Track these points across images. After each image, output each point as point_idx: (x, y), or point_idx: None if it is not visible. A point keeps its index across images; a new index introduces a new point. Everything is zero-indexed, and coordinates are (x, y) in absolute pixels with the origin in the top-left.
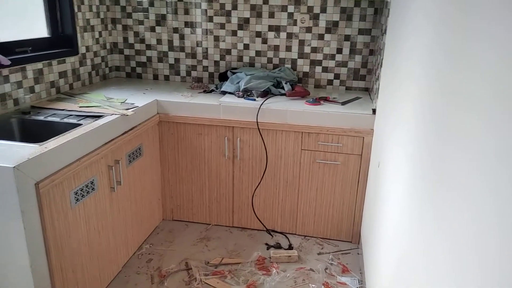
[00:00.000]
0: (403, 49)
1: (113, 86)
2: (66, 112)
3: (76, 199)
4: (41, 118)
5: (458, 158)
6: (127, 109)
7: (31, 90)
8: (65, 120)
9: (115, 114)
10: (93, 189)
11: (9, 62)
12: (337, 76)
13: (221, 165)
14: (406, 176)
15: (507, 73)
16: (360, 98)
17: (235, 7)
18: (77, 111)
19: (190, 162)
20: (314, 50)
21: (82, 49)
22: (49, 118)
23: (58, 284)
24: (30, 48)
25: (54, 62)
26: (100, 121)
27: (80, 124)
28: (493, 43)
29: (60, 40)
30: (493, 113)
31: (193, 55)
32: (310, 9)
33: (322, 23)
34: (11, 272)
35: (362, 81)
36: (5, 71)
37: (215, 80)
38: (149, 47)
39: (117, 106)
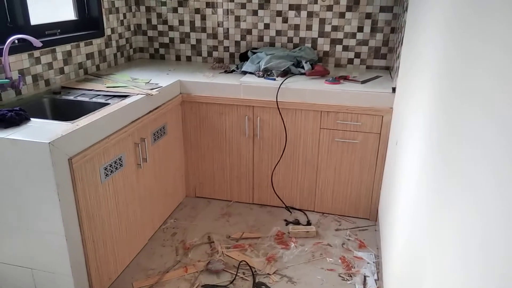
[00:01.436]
0: (421, 24)
1: (138, 67)
2: (94, 92)
3: (105, 174)
4: (71, 97)
5: (470, 148)
6: (151, 89)
7: (61, 71)
8: (94, 99)
9: (141, 94)
10: (121, 165)
11: (40, 44)
12: (357, 55)
13: (241, 144)
14: (422, 154)
15: None
16: (381, 76)
17: None
18: (104, 91)
19: (211, 141)
20: (335, 28)
21: (108, 31)
22: (79, 98)
23: (91, 253)
24: (58, 31)
25: (82, 44)
26: (127, 101)
27: (108, 104)
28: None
29: (87, 22)
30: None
31: (214, 36)
32: None
33: (343, 1)
34: (48, 240)
35: (383, 60)
36: (36, 53)
37: (236, 60)
38: (171, 28)
39: (142, 86)
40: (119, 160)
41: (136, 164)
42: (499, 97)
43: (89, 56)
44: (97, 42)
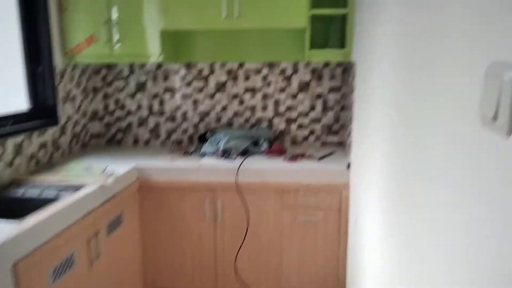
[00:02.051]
0: (369, 105)
1: (93, 154)
2: (46, 184)
3: (54, 276)
4: (21, 192)
5: (429, 211)
6: (107, 178)
7: (11, 163)
8: (45, 193)
9: (95, 184)
10: (72, 264)
11: None
12: (312, 132)
13: (202, 229)
14: (380, 233)
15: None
16: (335, 152)
17: (212, 71)
18: (56, 182)
19: (171, 228)
20: (289, 108)
21: (62, 120)
22: (29, 192)
23: None
24: (11, 121)
25: (35, 134)
26: (80, 193)
27: (59, 197)
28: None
29: (41, 112)
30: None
31: (172, 119)
32: (283, 71)
33: (294, 84)
34: None
35: (336, 136)
36: None
37: (195, 141)
38: (129, 113)
39: (96, 175)
40: (70, 258)
41: (88, 261)
42: (447, 177)
43: (42, 146)
44: (51, 131)
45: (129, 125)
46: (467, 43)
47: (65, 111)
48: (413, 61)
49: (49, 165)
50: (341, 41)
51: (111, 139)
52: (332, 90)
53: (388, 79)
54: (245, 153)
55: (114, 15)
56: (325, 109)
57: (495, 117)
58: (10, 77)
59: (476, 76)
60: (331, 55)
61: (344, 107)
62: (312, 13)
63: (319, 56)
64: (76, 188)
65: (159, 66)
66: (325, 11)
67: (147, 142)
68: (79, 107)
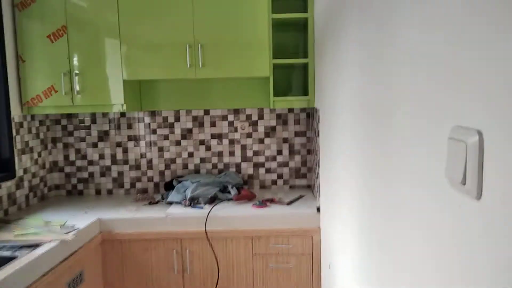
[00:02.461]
0: (335, 153)
1: (53, 207)
2: (0, 243)
3: None
4: None
5: (401, 261)
6: (67, 233)
7: None
8: (0, 253)
9: (54, 240)
10: None
11: None
12: (280, 176)
13: (170, 282)
14: (356, 277)
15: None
16: (304, 196)
17: (177, 119)
18: (12, 241)
19: (137, 282)
20: (256, 153)
21: (20, 172)
22: None
23: None
24: None
25: None
26: (38, 251)
27: (15, 257)
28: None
29: None
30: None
31: (137, 167)
32: (248, 117)
33: (261, 129)
34: None
35: (304, 179)
36: None
37: (161, 189)
38: (91, 162)
39: (56, 230)
40: None
41: None
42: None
43: None
44: (7, 185)
45: (91, 175)
46: (430, 104)
47: (22, 163)
48: (376, 109)
49: (4, 221)
50: (304, 88)
51: (71, 189)
52: (297, 134)
53: (352, 128)
54: (213, 200)
55: (75, 65)
56: (292, 153)
57: (463, 181)
58: None
59: (440, 136)
60: (295, 102)
61: (310, 150)
62: (274, 63)
63: (284, 103)
64: (34, 246)
65: (122, 114)
66: (287, 61)
67: (110, 192)
68: (38, 158)
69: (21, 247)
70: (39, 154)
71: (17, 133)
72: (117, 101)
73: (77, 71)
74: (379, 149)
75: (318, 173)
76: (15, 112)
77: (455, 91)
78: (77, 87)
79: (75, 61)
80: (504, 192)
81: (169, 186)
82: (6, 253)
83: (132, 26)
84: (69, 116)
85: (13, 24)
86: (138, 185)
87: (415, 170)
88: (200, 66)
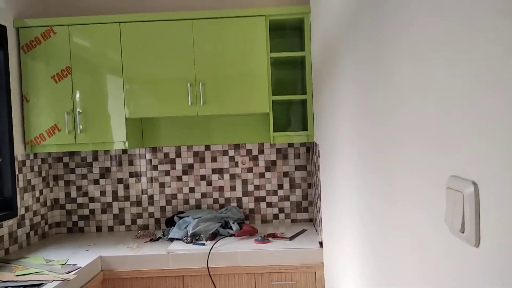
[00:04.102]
0: (336, 187)
1: (53, 245)
2: (1, 284)
3: None
4: None
5: None
6: (68, 272)
7: None
8: None
9: (56, 280)
10: None
11: None
12: (281, 210)
13: None
14: None
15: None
16: (306, 230)
17: (178, 155)
18: (13, 281)
19: None
20: (257, 187)
21: (21, 210)
22: None
23: None
24: None
25: None
26: None
27: None
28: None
29: None
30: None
31: (138, 203)
32: (249, 151)
33: (261, 163)
34: None
35: (305, 213)
36: None
37: (162, 225)
38: (92, 199)
39: (57, 269)
40: None
41: None
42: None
43: None
44: (9, 223)
45: (92, 212)
46: (427, 152)
47: (24, 201)
48: (375, 147)
49: (5, 261)
50: (303, 123)
51: (72, 227)
52: (298, 168)
53: (352, 164)
54: (215, 236)
55: (78, 104)
56: (292, 187)
57: (462, 229)
58: None
59: (437, 184)
60: (295, 137)
61: (311, 184)
62: (274, 99)
63: (284, 139)
64: (36, 286)
65: (124, 151)
66: (286, 97)
67: (111, 229)
68: (39, 196)
69: (23, 287)
70: (41, 192)
71: (20, 171)
72: (119, 139)
73: (80, 110)
74: (382, 185)
75: (319, 207)
76: (18, 151)
77: (452, 142)
78: (80, 126)
79: (79, 100)
80: (500, 240)
81: (171, 222)
82: None
83: (135, 65)
84: (71, 154)
85: (19, 65)
86: (139, 221)
87: (418, 213)
88: (201, 103)
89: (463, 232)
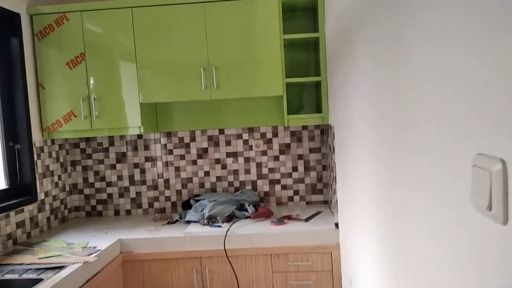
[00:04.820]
0: (352, 168)
1: (73, 229)
2: (25, 266)
3: None
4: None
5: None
6: (89, 255)
7: None
8: (24, 276)
9: (78, 263)
10: None
11: None
12: (296, 192)
13: None
14: None
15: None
16: (321, 212)
17: (193, 139)
18: (36, 263)
19: None
20: (272, 170)
21: (41, 195)
22: (7, 276)
23: None
24: None
25: (12, 213)
26: (62, 273)
27: (41, 280)
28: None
29: (19, 189)
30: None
31: (154, 187)
32: (263, 135)
33: (275, 146)
34: None
35: (320, 195)
36: None
37: (178, 208)
38: (109, 184)
39: (78, 252)
40: None
41: None
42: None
43: (20, 224)
44: (29, 208)
45: (110, 196)
46: (453, 128)
47: (43, 186)
48: (395, 126)
49: (27, 244)
50: (316, 105)
51: (91, 211)
52: (312, 150)
53: (370, 144)
54: (231, 218)
55: (93, 90)
56: (307, 169)
57: (489, 207)
58: None
59: (461, 163)
60: (309, 120)
61: (326, 166)
62: (287, 81)
63: (298, 121)
64: (58, 268)
65: (139, 136)
66: (300, 80)
67: (128, 212)
68: (58, 181)
69: (46, 269)
70: (59, 177)
71: (38, 157)
72: (134, 124)
73: (95, 96)
74: (399, 166)
75: (335, 189)
76: (36, 138)
77: (478, 117)
78: (95, 112)
79: (93, 86)
80: None
81: (187, 205)
82: (32, 276)
83: (148, 50)
84: (88, 140)
85: (33, 52)
86: (156, 205)
87: (438, 189)
88: (215, 87)
89: (490, 210)
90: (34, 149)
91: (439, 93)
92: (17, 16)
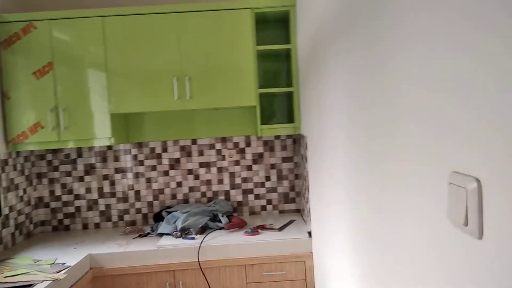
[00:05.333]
0: (325, 177)
1: (40, 244)
2: None
3: None
4: None
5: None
6: (58, 272)
7: None
8: None
9: (46, 280)
10: None
11: None
12: (269, 202)
13: None
14: None
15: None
16: (294, 220)
17: (165, 149)
18: (2, 283)
19: None
20: (245, 180)
21: (5, 210)
22: None
23: None
24: None
25: None
26: None
27: None
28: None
29: None
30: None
31: (124, 199)
32: (236, 144)
33: (248, 156)
34: None
35: (292, 204)
36: None
37: (149, 220)
38: (77, 197)
39: (47, 269)
40: None
41: None
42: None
43: None
44: None
45: (78, 209)
46: (428, 147)
47: (8, 201)
48: (369, 138)
49: None
50: (288, 115)
51: (58, 225)
52: (284, 160)
53: (344, 156)
54: (204, 229)
55: (61, 101)
56: (280, 178)
57: (465, 223)
58: None
59: (437, 177)
60: (282, 130)
61: (298, 175)
62: (260, 92)
63: (271, 131)
64: (26, 286)
65: (109, 147)
66: (273, 90)
67: (97, 226)
68: (23, 195)
69: None
70: (24, 191)
71: (3, 170)
72: (104, 135)
73: (63, 106)
74: (375, 176)
75: (307, 198)
76: (0, 150)
77: (453, 138)
78: (63, 123)
79: (61, 96)
80: (502, 232)
81: (159, 217)
82: None
83: (119, 59)
84: (54, 151)
85: None
86: (126, 217)
87: (415, 205)
88: (188, 97)
89: (466, 226)
90: None
91: (417, 105)
92: None
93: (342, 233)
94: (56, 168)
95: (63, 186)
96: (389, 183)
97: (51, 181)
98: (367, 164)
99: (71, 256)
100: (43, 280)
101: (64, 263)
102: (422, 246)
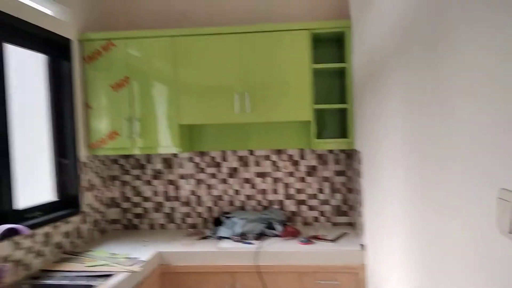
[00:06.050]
0: (381, 193)
1: (113, 240)
2: (75, 273)
3: None
4: (53, 282)
5: None
6: (133, 265)
7: (39, 253)
8: (77, 282)
9: (123, 272)
10: None
11: (30, 232)
12: (322, 213)
13: None
14: None
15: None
16: (348, 233)
17: (224, 159)
18: (85, 271)
19: None
20: (298, 191)
21: (84, 208)
22: (61, 282)
23: None
24: (39, 213)
25: (60, 223)
26: (112, 281)
27: (91, 286)
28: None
29: (66, 202)
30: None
31: (187, 203)
32: (290, 157)
33: (302, 168)
34: None
35: (345, 217)
36: (18, 238)
37: (209, 225)
38: (145, 199)
39: (123, 262)
40: None
41: None
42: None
43: (67, 234)
44: (75, 219)
45: (146, 210)
46: (478, 165)
47: (86, 199)
48: (424, 158)
49: (74, 253)
50: (341, 130)
51: (127, 224)
52: (338, 173)
53: (401, 173)
54: (261, 236)
55: (136, 112)
56: (333, 191)
57: (510, 231)
58: (39, 170)
59: (487, 194)
60: (335, 144)
61: (351, 189)
62: (315, 107)
63: (324, 145)
64: (106, 276)
65: (174, 154)
66: (328, 106)
67: (163, 227)
68: (98, 195)
69: (95, 276)
70: (100, 191)
71: (83, 172)
72: (172, 143)
73: (137, 117)
74: (430, 193)
75: (361, 212)
76: (82, 154)
77: (503, 158)
78: (137, 131)
79: (135, 107)
80: None
81: (217, 222)
82: (83, 282)
83: (186, 76)
84: (126, 157)
85: (82, 75)
86: (188, 220)
87: (468, 215)
88: (248, 111)
89: (511, 233)
90: (80, 164)
91: (473, 127)
92: (68, 41)
93: (397, 248)
94: (127, 172)
95: (133, 188)
96: (444, 205)
97: (123, 183)
98: (424, 185)
99: (142, 252)
100: (121, 271)
101: (137, 258)
102: (472, 257)
